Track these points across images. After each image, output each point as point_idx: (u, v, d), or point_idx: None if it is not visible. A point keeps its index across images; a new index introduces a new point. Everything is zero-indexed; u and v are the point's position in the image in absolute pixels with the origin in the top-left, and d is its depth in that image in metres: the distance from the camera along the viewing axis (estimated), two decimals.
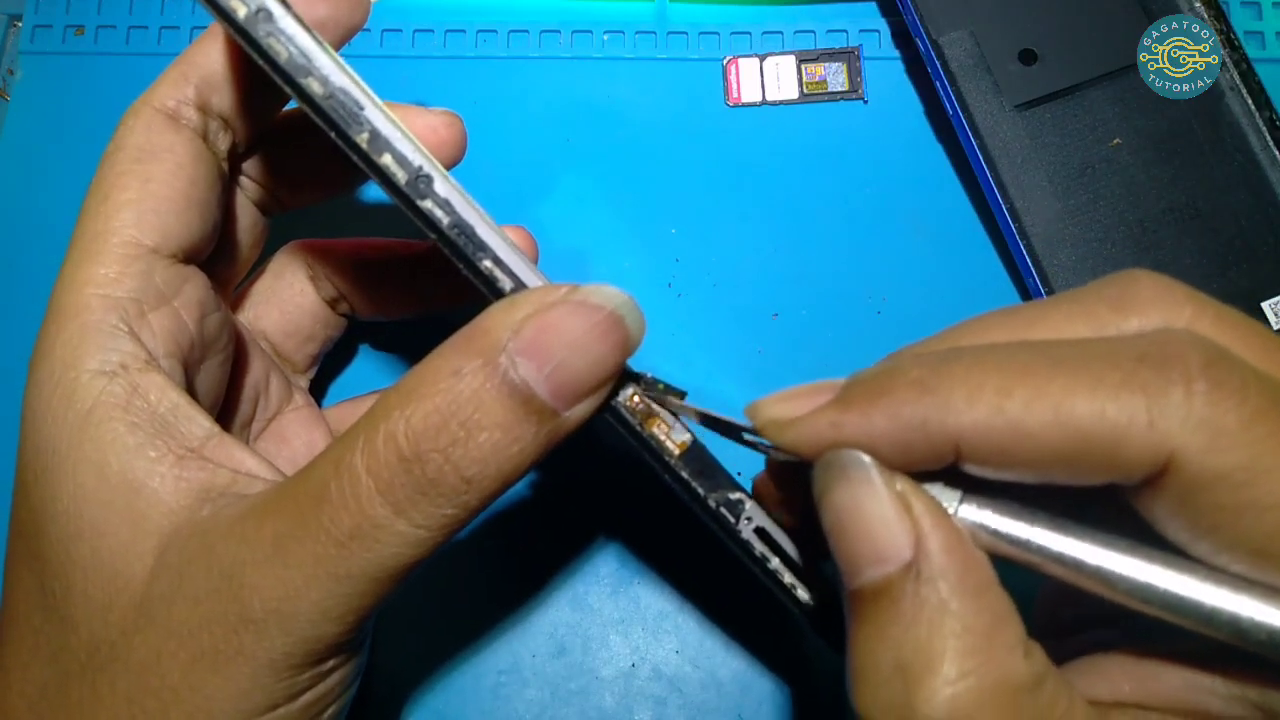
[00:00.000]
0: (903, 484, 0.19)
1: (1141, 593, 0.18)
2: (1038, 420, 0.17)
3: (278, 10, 0.21)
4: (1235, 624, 0.18)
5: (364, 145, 0.22)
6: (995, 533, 0.19)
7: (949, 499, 0.19)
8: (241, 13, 0.21)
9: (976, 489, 0.19)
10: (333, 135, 0.22)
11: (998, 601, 0.18)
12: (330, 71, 0.21)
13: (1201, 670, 0.19)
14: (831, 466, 0.20)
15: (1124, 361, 0.17)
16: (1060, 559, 0.19)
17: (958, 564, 0.18)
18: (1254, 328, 0.19)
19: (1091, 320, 0.20)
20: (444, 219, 0.22)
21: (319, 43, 0.21)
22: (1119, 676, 0.20)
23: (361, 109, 0.22)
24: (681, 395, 0.24)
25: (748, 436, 0.22)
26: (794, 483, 0.21)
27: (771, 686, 0.34)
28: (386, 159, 0.22)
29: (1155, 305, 0.19)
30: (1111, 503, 0.19)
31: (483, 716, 0.34)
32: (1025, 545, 0.19)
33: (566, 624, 0.35)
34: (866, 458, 0.19)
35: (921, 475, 0.19)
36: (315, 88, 0.21)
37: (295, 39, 0.21)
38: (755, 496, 0.25)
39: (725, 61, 0.42)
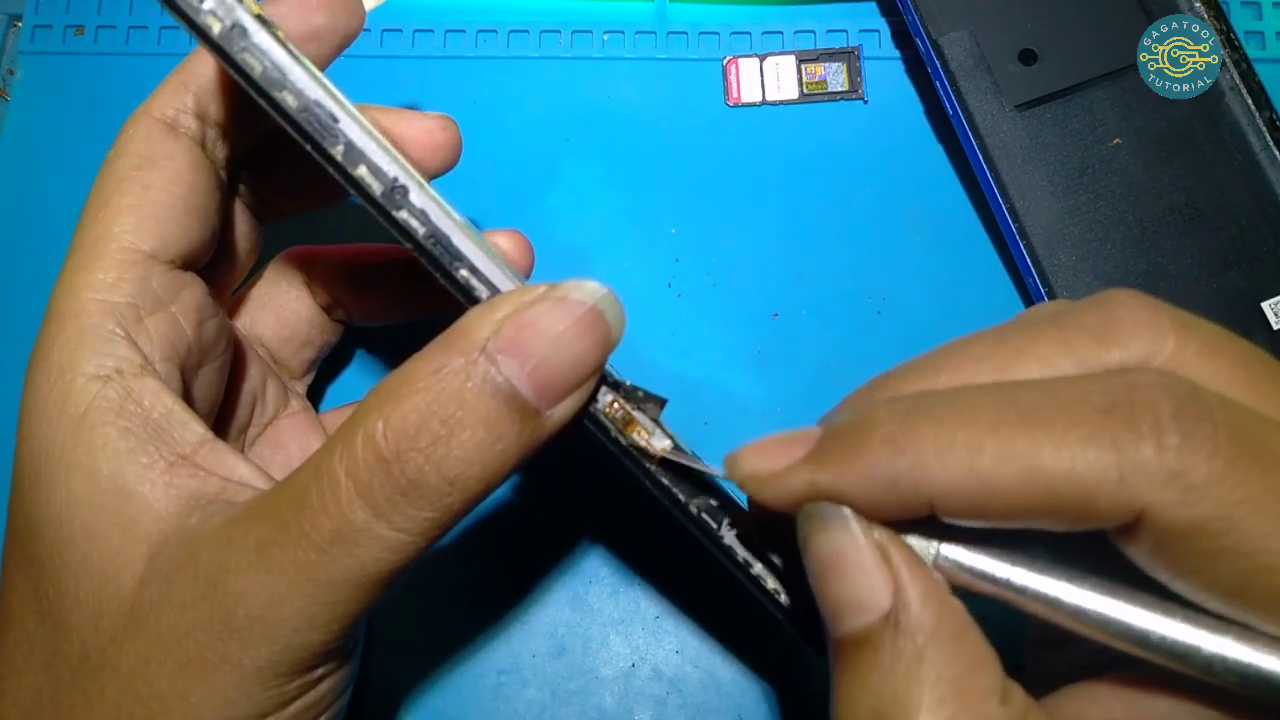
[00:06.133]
0: (880, 533, 0.19)
1: (1117, 632, 0.18)
2: (1007, 478, 0.17)
3: (252, 26, 0.21)
4: (1208, 666, 0.18)
5: (339, 157, 0.22)
6: (974, 572, 0.19)
7: (927, 542, 0.20)
8: (216, 29, 0.21)
9: (956, 528, 0.19)
10: (308, 148, 0.22)
11: (974, 647, 0.18)
12: (305, 85, 0.22)
13: (1190, 698, 0.19)
14: (811, 518, 0.20)
15: (1092, 413, 0.17)
16: (1038, 597, 0.19)
17: (934, 613, 0.18)
18: (1242, 352, 0.19)
19: (1072, 352, 0.19)
20: (420, 229, 0.22)
21: (294, 56, 0.22)
22: (1110, 700, 0.20)
23: (336, 121, 0.22)
24: (662, 403, 0.24)
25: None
26: (780, 517, 0.22)
27: (771, 687, 0.34)
28: (361, 171, 0.22)
29: (1138, 334, 0.19)
30: (1096, 538, 0.19)
31: (483, 716, 0.34)
32: (1004, 584, 0.19)
33: (566, 624, 0.35)
34: (845, 509, 0.19)
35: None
36: (289, 101, 0.22)
37: (269, 54, 0.21)
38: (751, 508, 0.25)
39: (725, 61, 0.42)
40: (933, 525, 0.19)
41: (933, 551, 0.20)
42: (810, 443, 0.20)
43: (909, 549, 0.19)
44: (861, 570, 0.19)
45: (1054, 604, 0.19)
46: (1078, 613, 0.19)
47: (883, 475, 0.18)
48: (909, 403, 0.19)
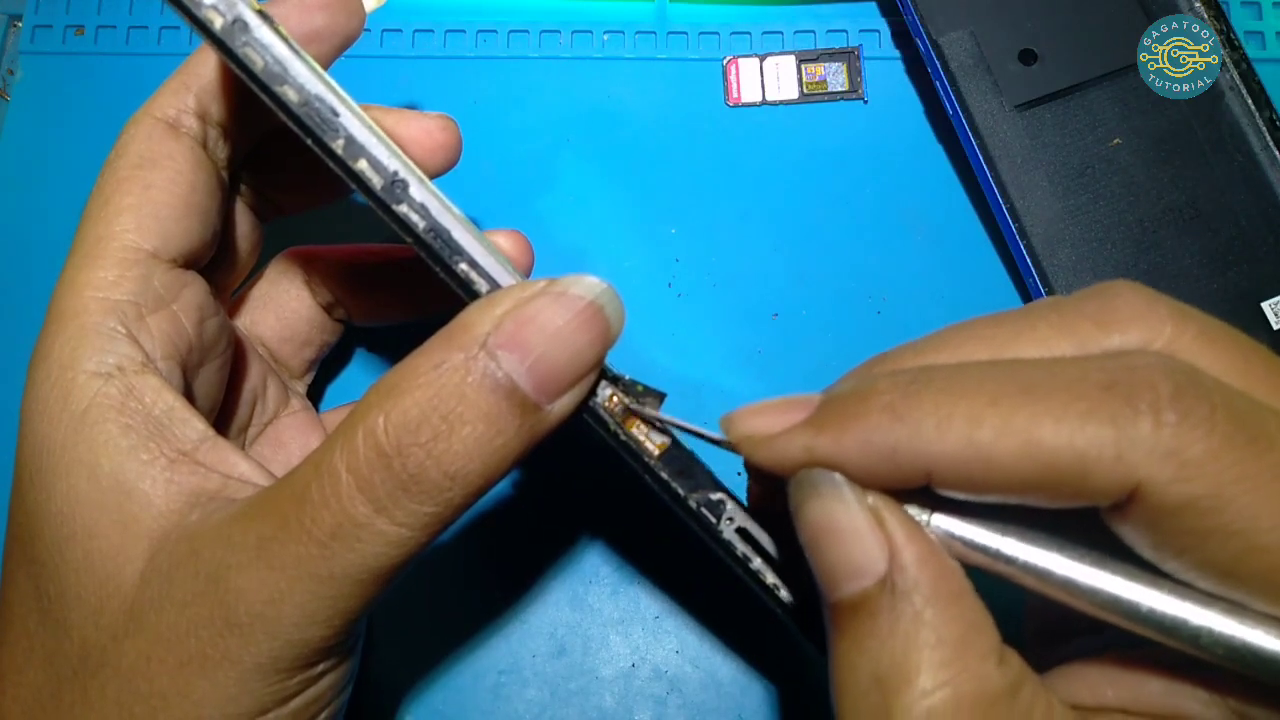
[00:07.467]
0: (875, 498, 0.19)
1: (1107, 604, 0.19)
2: (1006, 450, 0.18)
3: (254, 21, 0.22)
4: (1195, 638, 0.18)
5: (339, 151, 0.22)
6: (967, 542, 0.19)
7: (920, 511, 0.20)
8: (218, 24, 0.21)
9: (950, 501, 0.19)
10: (309, 142, 0.22)
11: (971, 610, 0.19)
12: (306, 79, 0.22)
13: (1182, 678, 0.19)
14: (804, 484, 0.20)
15: (1092, 390, 0.17)
16: (1029, 568, 0.19)
17: (931, 575, 0.18)
18: (1237, 341, 0.19)
19: (1072, 336, 0.20)
20: (419, 223, 0.22)
21: (295, 51, 0.22)
22: (1102, 682, 0.20)
23: (337, 115, 0.22)
24: (661, 397, 0.24)
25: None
26: (773, 482, 0.22)
27: (771, 686, 0.34)
28: (362, 164, 0.22)
29: (1136, 321, 0.19)
30: (1089, 515, 0.19)
31: (483, 716, 0.34)
32: (996, 555, 0.19)
33: (566, 624, 0.35)
34: (837, 475, 0.19)
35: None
36: (291, 95, 0.22)
37: (271, 49, 0.22)
38: (750, 491, 0.25)
39: (725, 61, 0.42)
40: (925, 499, 0.19)
41: (925, 520, 0.20)
42: (809, 408, 0.20)
43: (904, 512, 0.19)
44: (856, 535, 0.19)
45: (1044, 575, 0.19)
46: (1067, 584, 0.19)
47: (881, 443, 0.19)
48: (911, 375, 0.19)
